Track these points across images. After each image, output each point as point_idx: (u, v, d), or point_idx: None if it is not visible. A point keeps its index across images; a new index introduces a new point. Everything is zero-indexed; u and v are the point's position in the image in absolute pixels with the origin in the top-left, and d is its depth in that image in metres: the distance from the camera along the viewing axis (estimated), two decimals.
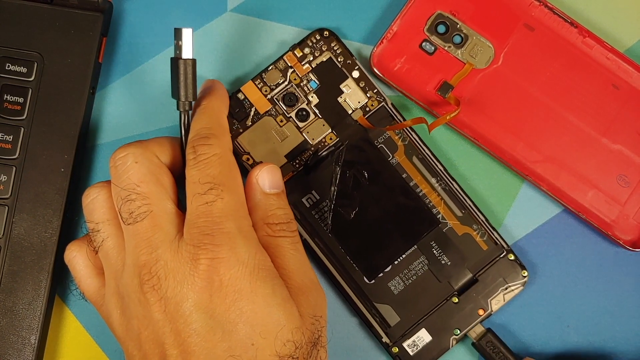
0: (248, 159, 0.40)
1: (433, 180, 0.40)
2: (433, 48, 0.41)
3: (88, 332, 0.40)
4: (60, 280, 0.40)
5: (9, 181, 0.39)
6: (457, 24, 0.41)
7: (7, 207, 0.39)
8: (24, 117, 0.39)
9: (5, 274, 0.38)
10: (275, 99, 0.40)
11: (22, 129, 0.39)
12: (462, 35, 0.41)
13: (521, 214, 0.41)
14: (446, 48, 0.41)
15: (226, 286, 0.31)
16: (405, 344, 0.39)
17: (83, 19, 0.40)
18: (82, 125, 0.39)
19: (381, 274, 0.39)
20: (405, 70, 0.41)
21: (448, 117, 0.38)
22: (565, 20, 0.41)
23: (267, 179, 0.35)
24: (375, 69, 0.40)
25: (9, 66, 0.39)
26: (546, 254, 0.41)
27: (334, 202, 0.39)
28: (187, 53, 0.34)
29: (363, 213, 0.39)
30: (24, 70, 0.39)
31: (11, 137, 0.39)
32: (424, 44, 0.41)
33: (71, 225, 0.41)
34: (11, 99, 0.39)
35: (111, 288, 0.34)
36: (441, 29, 0.41)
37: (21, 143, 0.39)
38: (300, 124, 0.40)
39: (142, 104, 0.42)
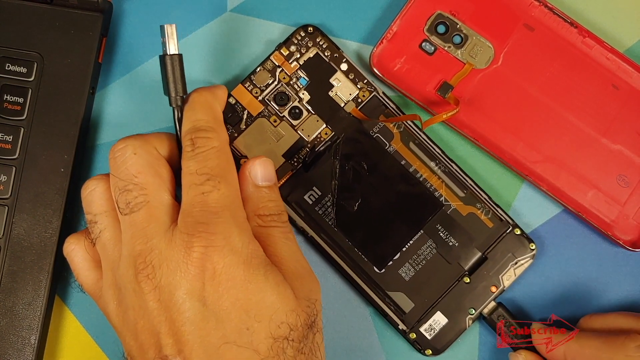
0: (246, 162, 0.40)
1: (432, 164, 0.40)
2: (433, 48, 0.41)
3: (88, 332, 0.40)
4: (60, 280, 0.40)
5: (9, 181, 0.39)
6: (457, 24, 0.41)
7: (7, 207, 0.39)
8: (23, 117, 0.39)
9: (5, 274, 0.38)
10: (267, 99, 0.40)
11: (22, 129, 0.39)
12: (462, 35, 0.41)
13: (521, 214, 0.41)
14: (446, 48, 0.41)
15: (219, 274, 0.31)
16: (422, 329, 0.39)
17: (83, 19, 0.40)
18: (82, 125, 0.39)
19: (391, 262, 0.39)
20: (405, 71, 0.41)
21: (445, 116, 0.38)
22: (565, 20, 0.41)
23: (260, 171, 0.35)
24: (375, 69, 0.40)
25: (8, 66, 0.39)
26: (546, 254, 0.41)
27: (336, 196, 0.39)
28: (172, 49, 0.35)
29: (366, 204, 0.39)
30: (24, 70, 0.39)
31: (11, 137, 0.39)
32: (423, 44, 0.41)
33: (71, 225, 0.41)
34: (11, 99, 0.39)
35: (108, 280, 0.34)
36: (441, 29, 0.41)
37: (21, 143, 0.39)
38: (294, 122, 0.40)
39: (142, 103, 0.42)
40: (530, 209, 0.41)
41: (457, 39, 0.41)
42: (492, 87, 0.41)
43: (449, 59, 0.41)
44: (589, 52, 0.41)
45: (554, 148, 0.41)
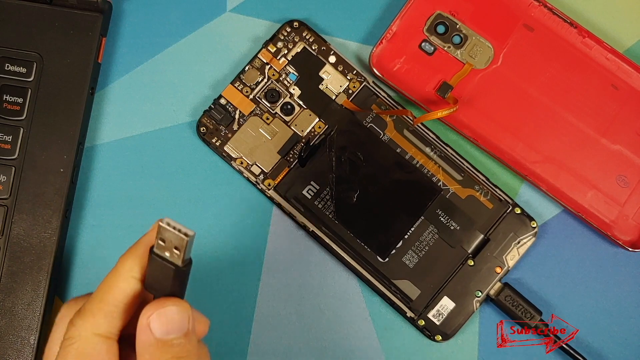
0: (242, 162, 0.40)
1: (427, 150, 0.40)
2: (432, 48, 0.41)
3: None
4: (60, 281, 0.40)
5: (9, 181, 0.39)
6: (457, 24, 0.41)
7: (6, 208, 0.39)
8: (23, 118, 0.39)
9: (4, 274, 0.38)
10: (258, 97, 0.41)
11: (22, 129, 0.39)
12: (462, 35, 0.41)
13: None
14: (445, 48, 0.41)
15: None
16: (430, 315, 0.39)
17: (82, 19, 0.40)
18: (81, 126, 0.39)
19: (394, 251, 0.39)
20: (405, 71, 0.41)
21: (440, 114, 0.38)
22: (564, 20, 0.41)
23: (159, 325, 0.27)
24: (374, 69, 0.40)
25: (8, 66, 0.39)
26: (546, 254, 0.41)
27: (334, 188, 0.39)
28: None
29: (365, 194, 0.39)
30: (24, 70, 0.39)
31: (10, 138, 0.39)
32: (423, 44, 0.41)
33: (70, 225, 0.40)
34: (10, 99, 0.39)
35: None
36: (441, 29, 0.41)
37: (20, 143, 0.39)
38: (287, 118, 0.40)
39: (142, 104, 0.42)
40: (530, 209, 0.41)
41: (456, 39, 0.41)
42: (491, 87, 0.41)
43: (449, 59, 0.41)
44: (589, 53, 0.41)
45: (553, 148, 0.41)
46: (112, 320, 0.27)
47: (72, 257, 0.41)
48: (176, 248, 0.26)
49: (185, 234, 0.26)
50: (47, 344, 0.29)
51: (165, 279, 0.27)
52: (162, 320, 0.27)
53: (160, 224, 0.26)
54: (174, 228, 0.26)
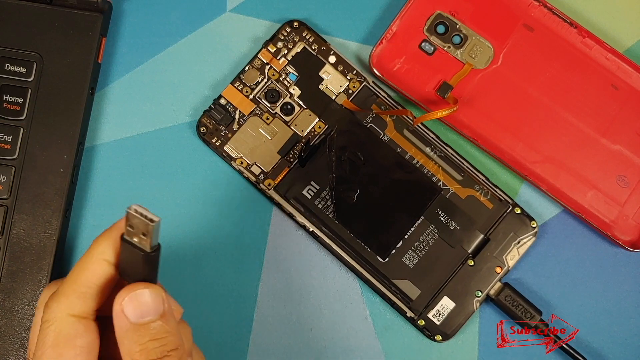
0: (242, 162, 0.40)
1: (427, 150, 0.40)
2: (432, 48, 0.41)
3: None
4: None
5: (9, 181, 0.39)
6: (457, 24, 0.41)
7: (6, 208, 0.39)
8: (23, 118, 0.39)
9: (4, 274, 0.38)
10: (258, 97, 0.41)
11: (22, 129, 0.39)
12: (462, 35, 0.41)
13: None
14: (445, 48, 0.41)
15: None
16: (430, 315, 0.39)
17: (82, 19, 0.40)
18: (81, 126, 0.39)
19: (394, 251, 0.39)
20: (405, 71, 0.41)
21: (440, 114, 0.38)
22: (564, 20, 0.41)
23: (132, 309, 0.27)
24: (374, 69, 0.40)
25: (8, 66, 0.39)
26: (546, 254, 0.41)
27: (334, 188, 0.39)
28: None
29: (365, 194, 0.40)
30: (24, 70, 0.39)
31: (10, 138, 0.39)
32: (423, 44, 0.41)
33: (70, 225, 0.40)
34: (10, 99, 0.39)
35: None
36: (441, 29, 0.41)
37: (20, 143, 0.39)
38: (287, 118, 0.41)
39: (142, 104, 0.42)
40: (530, 209, 0.41)
41: (456, 39, 0.41)
42: (491, 87, 0.41)
43: (449, 59, 0.41)
44: (589, 53, 0.41)
45: (553, 148, 0.41)
46: (86, 301, 0.28)
47: (72, 258, 0.41)
48: (144, 234, 0.26)
49: (151, 220, 0.26)
50: (31, 329, 0.30)
51: (136, 265, 0.27)
52: (135, 304, 0.27)
53: (128, 210, 0.26)
54: (141, 215, 0.26)
